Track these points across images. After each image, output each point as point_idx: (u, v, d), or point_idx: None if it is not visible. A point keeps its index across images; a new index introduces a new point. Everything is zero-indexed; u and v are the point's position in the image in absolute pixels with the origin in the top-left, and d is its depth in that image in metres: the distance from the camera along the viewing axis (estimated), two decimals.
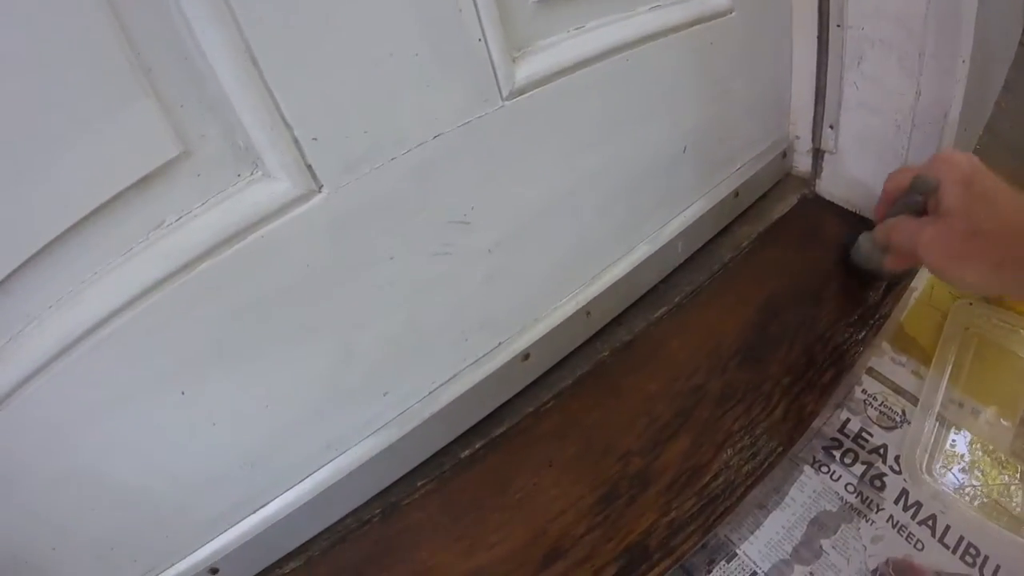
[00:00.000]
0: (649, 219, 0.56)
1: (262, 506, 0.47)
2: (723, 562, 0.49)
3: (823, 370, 0.54)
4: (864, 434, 0.54)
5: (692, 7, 0.55)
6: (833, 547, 0.50)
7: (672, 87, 0.55)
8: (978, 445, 0.53)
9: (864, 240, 0.55)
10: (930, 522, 0.50)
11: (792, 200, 0.63)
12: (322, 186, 0.40)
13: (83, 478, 0.44)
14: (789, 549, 0.50)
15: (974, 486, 0.51)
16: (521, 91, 0.45)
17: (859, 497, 0.51)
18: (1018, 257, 0.38)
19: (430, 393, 0.48)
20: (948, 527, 0.49)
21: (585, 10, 0.49)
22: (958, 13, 0.52)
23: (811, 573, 0.49)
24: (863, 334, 0.55)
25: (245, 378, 0.42)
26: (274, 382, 0.43)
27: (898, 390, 0.55)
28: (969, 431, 0.54)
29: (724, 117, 0.58)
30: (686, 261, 0.59)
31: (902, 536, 0.50)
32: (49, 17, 0.32)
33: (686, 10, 0.54)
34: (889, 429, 0.54)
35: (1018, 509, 0.49)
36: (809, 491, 0.52)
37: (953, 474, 0.52)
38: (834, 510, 0.51)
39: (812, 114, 0.63)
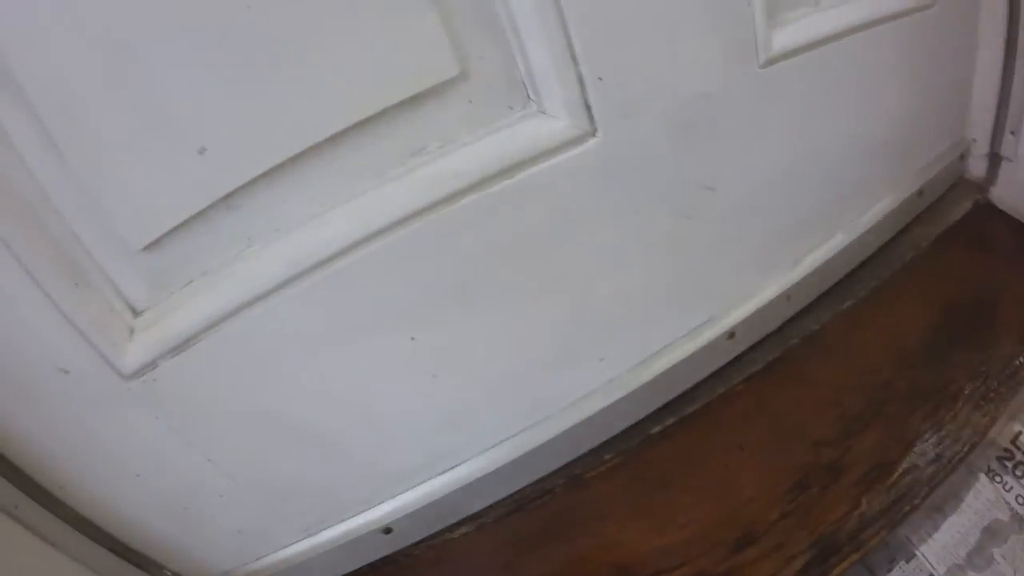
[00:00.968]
0: (848, 207, 0.56)
1: (453, 467, 0.46)
2: (903, 562, 0.50)
3: (1001, 381, 0.54)
4: None
5: None
6: (1003, 556, 0.51)
7: (882, 75, 0.54)
8: None
9: None
10: None
11: (967, 205, 0.63)
12: (596, 129, 0.38)
13: (280, 420, 0.41)
14: (963, 554, 0.51)
15: None
16: (773, 60, 0.44)
17: None
18: None
19: (641, 362, 0.47)
20: None
21: None
22: None
23: None
24: None
25: (480, 326, 0.40)
26: (507, 333, 0.41)
27: None
28: None
29: (918, 113, 0.58)
30: (870, 256, 0.59)
31: None
32: None
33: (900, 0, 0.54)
34: None
35: None
36: (984, 499, 0.53)
37: None
38: (1006, 520, 0.52)
39: (994, 117, 0.63)
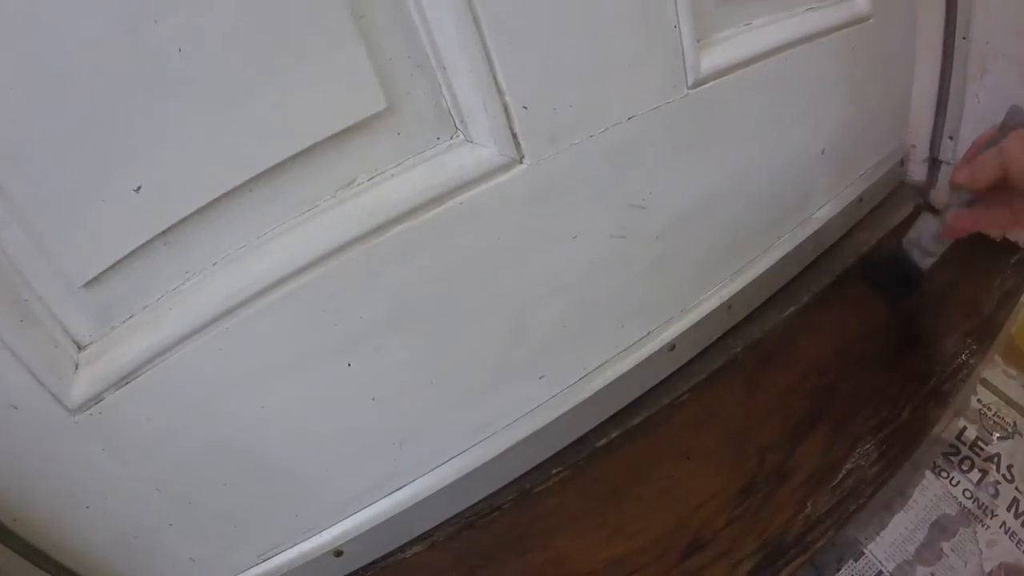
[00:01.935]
0: (789, 217, 0.58)
1: (400, 487, 0.47)
2: (851, 561, 0.52)
3: (943, 378, 0.57)
4: (979, 443, 0.57)
5: (841, 11, 0.57)
6: (952, 550, 0.53)
7: (819, 89, 0.57)
8: None
9: (928, 223, 0.54)
10: None
11: (907, 209, 0.66)
12: (523, 156, 0.40)
13: (224, 449, 0.43)
14: (912, 550, 0.53)
15: None
16: (702, 81, 0.47)
17: (975, 503, 0.55)
18: None
19: (581, 378, 0.49)
20: None
21: (753, 7, 0.51)
22: None
23: (932, 574, 0.52)
24: (979, 345, 0.59)
25: (416, 352, 0.42)
26: (444, 357, 0.43)
27: (1009, 402, 0.59)
28: None
29: (857, 122, 0.61)
30: (812, 263, 0.61)
31: (1012, 542, 0.53)
32: None
33: (837, 13, 0.57)
34: (1002, 439, 0.57)
35: None
36: (930, 495, 0.55)
37: None
38: (953, 514, 0.55)
39: (932, 124, 0.66)
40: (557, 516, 0.50)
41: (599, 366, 0.50)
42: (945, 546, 0.53)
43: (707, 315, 0.53)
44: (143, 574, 0.45)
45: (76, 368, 0.40)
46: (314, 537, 0.47)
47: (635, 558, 0.48)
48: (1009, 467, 0.56)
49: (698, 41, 0.46)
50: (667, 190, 0.47)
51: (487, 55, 0.37)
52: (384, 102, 0.37)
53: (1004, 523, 0.54)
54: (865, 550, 0.53)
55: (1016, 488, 0.55)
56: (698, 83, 0.46)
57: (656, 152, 0.45)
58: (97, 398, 0.40)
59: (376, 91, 0.36)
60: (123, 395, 0.40)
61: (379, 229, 0.38)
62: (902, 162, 0.67)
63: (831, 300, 0.59)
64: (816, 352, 0.57)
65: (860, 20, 0.59)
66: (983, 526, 0.54)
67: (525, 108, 0.39)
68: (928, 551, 0.53)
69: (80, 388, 0.39)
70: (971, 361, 0.58)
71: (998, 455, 0.57)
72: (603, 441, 0.51)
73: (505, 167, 0.39)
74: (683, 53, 0.45)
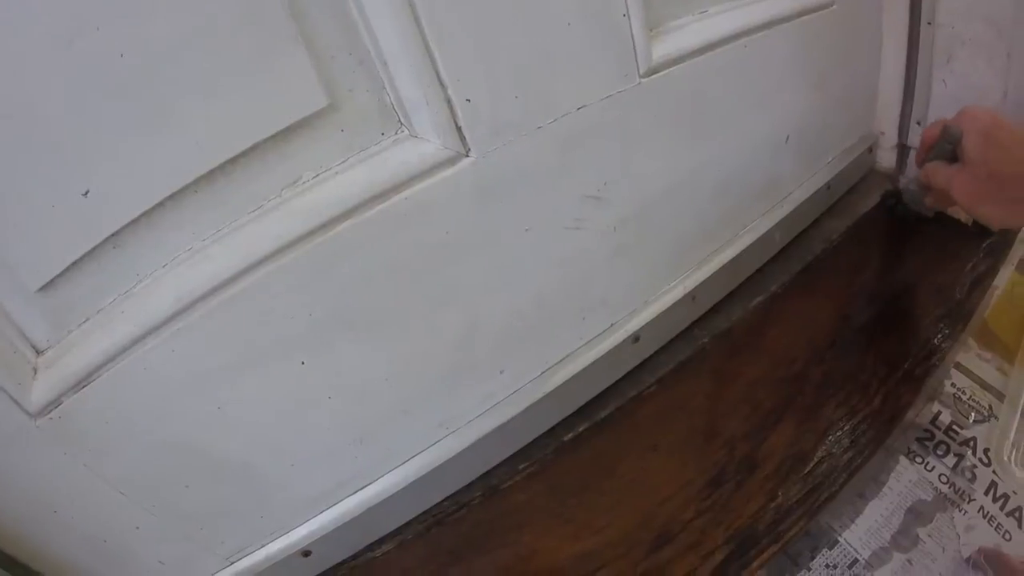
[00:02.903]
0: (754, 206, 0.58)
1: (365, 486, 0.47)
2: (825, 549, 0.52)
3: (916, 363, 0.57)
4: (954, 427, 0.57)
5: None
6: (929, 535, 0.52)
7: (781, 76, 0.57)
8: None
9: (912, 184, 0.59)
10: (1016, 514, 0.53)
11: (876, 196, 0.66)
12: (469, 150, 0.40)
13: (184, 450, 0.43)
14: (888, 537, 0.52)
15: None
16: (655, 70, 0.47)
17: (952, 487, 0.54)
18: None
19: (543, 372, 0.49)
20: None
21: None
22: None
23: (909, 560, 0.51)
24: (951, 329, 0.58)
25: (369, 348, 0.42)
26: (398, 353, 0.43)
27: (984, 385, 0.58)
28: None
29: (822, 109, 0.61)
30: (779, 252, 0.61)
31: (991, 526, 0.53)
32: None
33: (796, 0, 0.56)
34: (978, 423, 0.57)
35: None
36: (905, 481, 0.55)
37: None
38: (929, 499, 0.54)
39: (899, 110, 0.66)
40: (525, 512, 0.50)
41: (561, 360, 0.50)
42: (921, 532, 0.53)
43: (671, 306, 0.53)
44: None
45: (35, 373, 0.40)
46: (281, 538, 0.47)
47: (603, 552, 0.48)
48: (986, 451, 0.56)
49: (651, 30, 0.47)
50: (624, 180, 0.47)
51: (427, 49, 0.37)
52: (326, 100, 0.37)
53: (982, 507, 0.53)
54: (840, 538, 0.52)
55: (993, 472, 0.55)
56: (651, 71, 0.46)
57: (609, 142, 0.45)
58: (56, 402, 0.40)
59: (317, 89, 0.37)
60: (81, 398, 0.40)
61: (325, 226, 0.38)
62: (870, 149, 0.67)
63: (800, 289, 0.59)
64: (785, 341, 0.56)
65: (822, 7, 0.59)
66: (960, 511, 0.53)
67: (468, 101, 0.39)
68: (904, 537, 0.52)
69: (40, 393, 0.40)
70: (944, 345, 0.57)
71: (974, 439, 0.56)
72: (570, 435, 0.51)
73: (451, 161, 0.39)
74: (633, 41, 0.45)
